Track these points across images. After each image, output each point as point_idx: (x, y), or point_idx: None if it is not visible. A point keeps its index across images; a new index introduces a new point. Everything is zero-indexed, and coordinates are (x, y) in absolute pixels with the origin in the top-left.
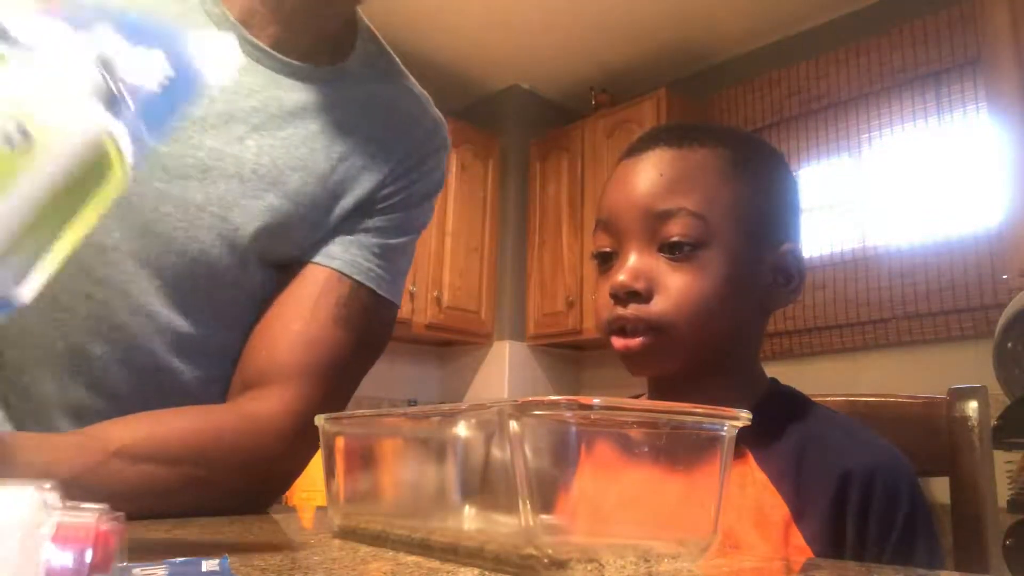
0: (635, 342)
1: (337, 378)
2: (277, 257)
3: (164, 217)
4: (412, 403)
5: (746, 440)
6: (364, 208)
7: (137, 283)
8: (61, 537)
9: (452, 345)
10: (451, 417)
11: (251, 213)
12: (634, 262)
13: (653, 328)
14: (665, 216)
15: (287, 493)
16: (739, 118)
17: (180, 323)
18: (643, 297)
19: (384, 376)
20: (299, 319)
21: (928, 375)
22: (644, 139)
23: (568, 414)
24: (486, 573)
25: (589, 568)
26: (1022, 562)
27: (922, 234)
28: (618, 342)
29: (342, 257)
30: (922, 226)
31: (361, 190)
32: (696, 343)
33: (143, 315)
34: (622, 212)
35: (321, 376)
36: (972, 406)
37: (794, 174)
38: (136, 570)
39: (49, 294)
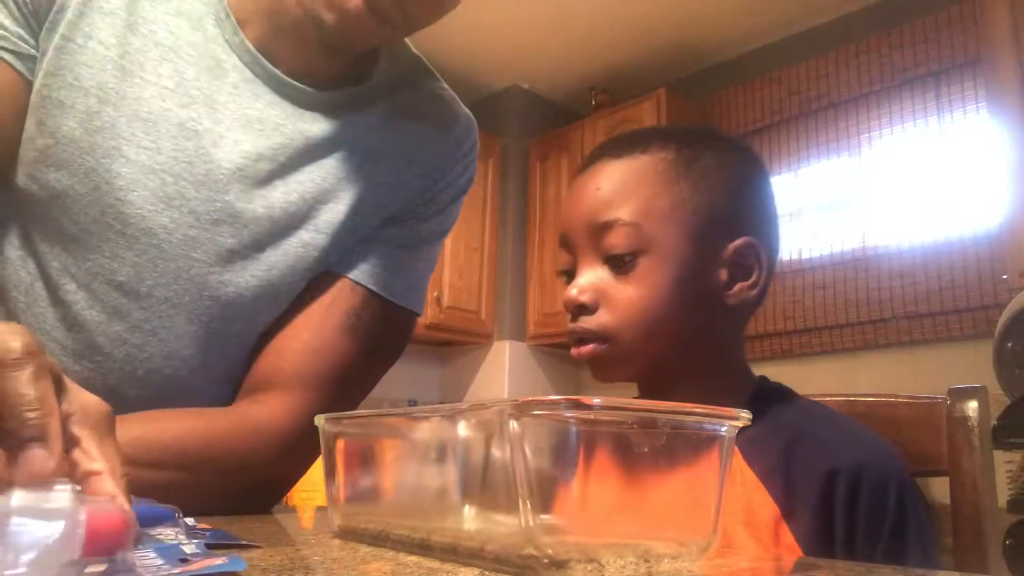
0: (585, 350)
1: (343, 386)
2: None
3: (196, 263)
4: (412, 403)
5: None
6: (391, 220)
7: (172, 328)
8: (92, 524)
9: (452, 345)
10: (451, 417)
11: (284, 251)
12: (583, 277)
13: (601, 338)
14: (604, 229)
15: (287, 493)
16: (739, 118)
17: (215, 362)
18: (590, 310)
19: (384, 376)
20: (308, 328)
21: (928, 375)
22: (590, 154)
23: (568, 414)
24: (486, 573)
25: (589, 568)
26: (1022, 562)
27: (922, 234)
28: (573, 351)
29: (359, 265)
30: (922, 226)
31: (392, 206)
32: (645, 350)
33: (178, 359)
34: (571, 229)
35: (326, 384)
36: (972, 406)
37: (757, 166)
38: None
39: (86, 339)
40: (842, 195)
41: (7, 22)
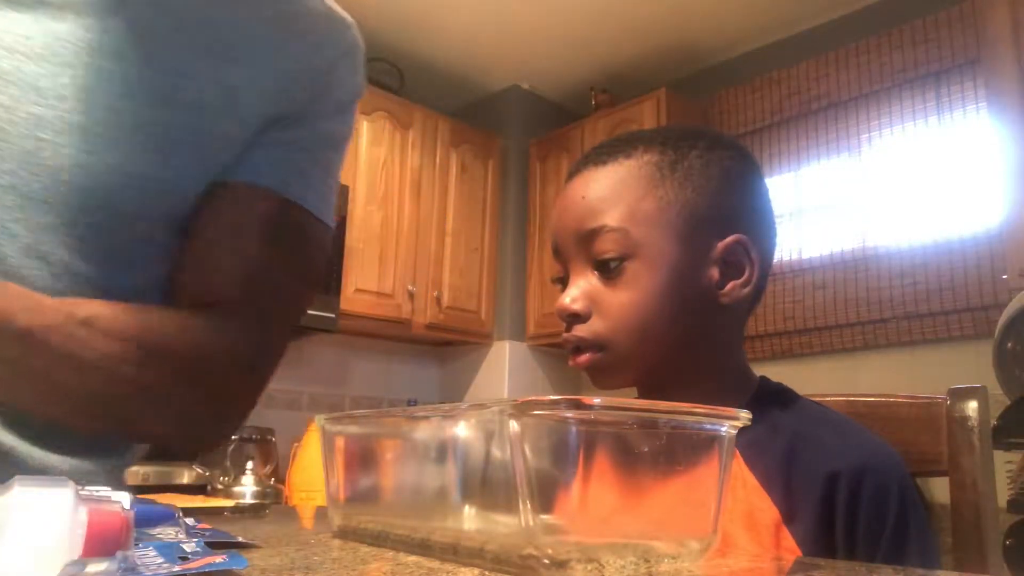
0: (582, 359)
1: (277, 304)
2: (187, 182)
3: (43, 144)
4: (412, 403)
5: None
6: (278, 119)
7: (25, 221)
8: (92, 524)
9: (452, 345)
10: (451, 417)
11: (146, 135)
12: (574, 286)
13: (596, 346)
14: (591, 236)
15: (287, 493)
16: (739, 118)
17: (79, 266)
18: (583, 318)
19: (384, 376)
20: (231, 244)
21: (928, 375)
22: (576, 162)
23: (568, 414)
24: (486, 573)
25: (589, 568)
26: (1022, 562)
27: (922, 234)
28: (571, 361)
29: (269, 174)
30: (922, 226)
31: (267, 99)
32: (641, 354)
33: (35, 257)
34: (560, 238)
35: (264, 305)
36: (972, 406)
37: (746, 162)
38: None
39: None
40: (842, 195)
41: None
